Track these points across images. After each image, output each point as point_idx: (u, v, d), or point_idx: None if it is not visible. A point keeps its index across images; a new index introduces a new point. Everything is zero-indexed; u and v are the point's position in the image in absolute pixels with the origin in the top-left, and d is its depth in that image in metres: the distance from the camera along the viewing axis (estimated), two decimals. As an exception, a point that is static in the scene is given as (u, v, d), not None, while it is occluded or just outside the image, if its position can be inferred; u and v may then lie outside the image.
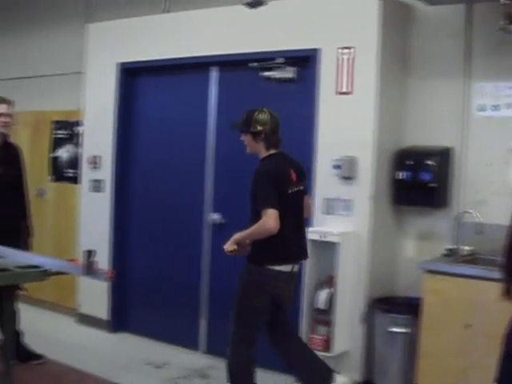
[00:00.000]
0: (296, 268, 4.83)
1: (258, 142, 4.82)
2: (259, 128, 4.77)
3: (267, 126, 4.79)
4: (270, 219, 4.52)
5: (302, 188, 4.87)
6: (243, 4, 4.99)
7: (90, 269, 4.19)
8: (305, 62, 5.75)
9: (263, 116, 4.79)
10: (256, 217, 4.62)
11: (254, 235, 4.65)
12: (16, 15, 8.70)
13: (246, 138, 4.86)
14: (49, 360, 5.99)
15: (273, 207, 4.54)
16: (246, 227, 5.77)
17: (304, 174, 4.99)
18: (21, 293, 4.69)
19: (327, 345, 5.37)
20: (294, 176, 4.80)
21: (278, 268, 4.69)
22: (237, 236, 4.73)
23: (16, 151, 5.98)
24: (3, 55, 8.86)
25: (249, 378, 4.81)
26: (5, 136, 5.82)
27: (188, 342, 6.50)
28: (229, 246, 4.74)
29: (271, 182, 4.66)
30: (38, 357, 5.95)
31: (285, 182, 4.72)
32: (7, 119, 5.71)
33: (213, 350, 6.31)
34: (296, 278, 4.93)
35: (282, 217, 4.56)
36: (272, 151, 4.84)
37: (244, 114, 4.85)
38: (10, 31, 8.77)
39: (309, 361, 4.99)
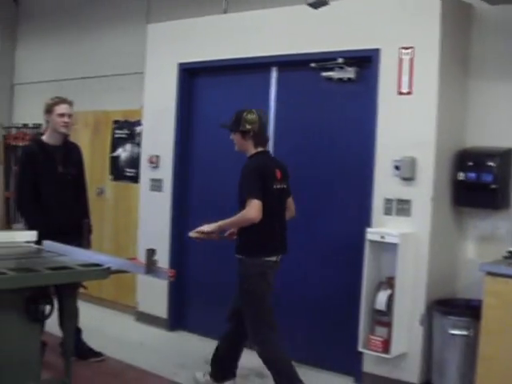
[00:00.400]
0: (279, 258, 5.25)
1: (247, 140, 5.23)
2: (248, 127, 5.18)
3: (256, 125, 5.21)
4: (253, 209, 4.95)
5: (285, 187, 5.32)
6: (307, 4, 5.03)
7: (151, 268, 4.29)
8: (365, 62, 5.78)
9: (252, 116, 5.21)
10: (242, 209, 5.03)
11: (238, 223, 5.12)
12: (79, 17, 8.95)
13: (236, 137, 5.27)
14: (108, 357, 6.13)
15: (257, 198, 4.96)
16: (309, 228, 5.97)
17: (287, 174, 5.38)
18: (81, 291, 4.77)
19: (386, 346, 5.39)
20: (278, 174, 5.23)
21: (268, 258, 5.16)
22: (221, 223, 5.14)
23: (76, 151, 6.14)
24: (67, 56, 9.11)
25: (291, 369, 5.11)
26: (65, 136, 5.99)
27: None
28: (210, 229, 5.16)
29: (257, 177, 5.09)
30: (97, 354, 6.09)
31: (270, 177, 5.15)
32: (67, 119, 5.85)
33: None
34: (278, 268, 5.28)
35: (269, 210, 5.02)
36: (259, 149, 5.26)
37: (233, 115, 5.23)
38: (73, 33, 9.02)
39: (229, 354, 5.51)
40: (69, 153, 5.99)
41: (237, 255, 5.20)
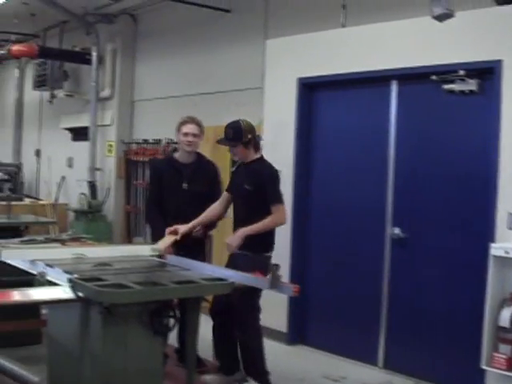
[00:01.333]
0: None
1: (249, 149, 5.69)
2: (249, 136, 5.64)
3: (253, 132, 5.72)
4: (283, 214, 5.61)
5: None
6: (432, 17, 5.10)
7: (276, 283, 4.46)
8: (487, 73, 5.78)
9: (248, 124, 5.69)
10: (252, 212, 5.51)
11: (268, 228, 5.56)
12: (197, 34, 9.30)
13: (238, 149, 5.67)
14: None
15: (283, 203, 5.61)
16: (428, 241, 5.94)
17: None
18: (203, 305, 4.94)
19: (510, 364, 5.35)
20: None
21: (269, 254, 5.68)
22: (248, 231, 5.46)
23: (209, 169, 6.43)
24: (186, 73, 9.48)
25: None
26: (197, 154, 6.34)
27: (366, 356, 6.66)
28: (237, 242, 5.49)
29: (279, 181, 5.71)
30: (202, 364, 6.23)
31: None
32: (191, 138, 6.17)
33: (391, 365, 6.48)
34: None
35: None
36: (258, 154, 5.79)
37: (229, 129, 5.63)
38: (191, 50, 9.40)
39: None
40: (198, 170, 6.26)
41: (240, 251, 5.48)
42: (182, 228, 5.75)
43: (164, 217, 6.13)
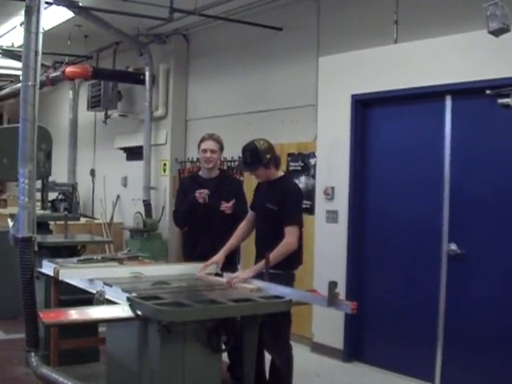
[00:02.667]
0: None
1: (270, 168, 5.60)
2: (268, 156, 5.52)
3: (272, 151, 5.60)
4: (296, 237, 5.45)
5: None
6: (488, 32, 5.08)
7: (334, 300, 4.48)
8: (543, 87, 5.73)
9: (265, 144, 5.57)
10: (274, 230, 5.46)
11: (284, 256, 5.37)
12: (249, 53, 9.44)
13: (258, 172, 5.60)
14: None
15: (299, 226, 5.49)
16: (485, 257, 5.90)
17: None
18: None
19: None
20: None
21: (295, 270, 5.66)
22: (259, 268, 5.27)
23: (232, 184, 6.58)
24: (242, 91, 9.59)
25: None
26: (219, 170, 6.55)
27: (423, 373, 6.61)
28: (251, 275, 5.29)
29: (301, 202, 5.75)
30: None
31: None
32: (209, 155, 6.33)
33: (448, 382, 6.42)
34: None
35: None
36: (281, 171, 5.78)
37: (246, 153, 5.55)
38: (244, 68, 9.51)
39: None
40: (220, 185, 6.37)
41: (273, 270, 5.27)
42: (217, 258, 5.72)
43: (190, 232, 6.38)
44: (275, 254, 5.28)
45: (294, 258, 5.57)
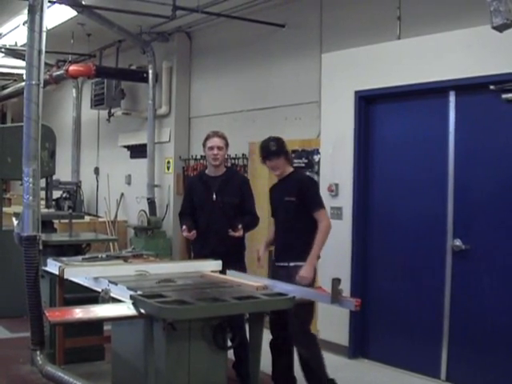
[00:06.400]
0: None
1: (287, 161, 5.99)
2: (288, 148, 6.01)
3: (287, 146, 6.03)
4: (328, 218, 5.89)
5: None
6: (492, 28, 5.07)
7: (337, 297, 4.48)
8: (546, 82, 5.72)
9: (283, 140, 5.99)
10: (296, 221, 5.74)
11: (325, 239, 5.72)
12: (252, 50, 9.45)
13: (280, 161, 5.90)
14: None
15: (325, 207, 5.90)
16: (490, 252, 5.89)
17: None
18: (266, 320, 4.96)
19: None
20: None
21: None
22: (314, 259, 5.65)
23: (238, 181, 6.56)
24: (242, 88, 9.60)
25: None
26: (226, 167, 6.58)
27: (428, 369, 6.59)
28: (312, 273, 5.61)
29: (318, 187, 6.20)
30: None
31: None
32: (216, 151, 6.32)
33: (454, 378, 6.40)
34: None
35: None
36: (292, 166, 6.11)
37: (271, 142, 5.91)
38: (247, 65, 9.52)
39: None
40: (227, 182, 6.39)
41: (293, 262, 5.66)
42: (262, 251, 6.14)
43: (197, 228, 6.31)
44: (318, 241, 5.68)
45: (309, 251, 5.69)
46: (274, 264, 6.09)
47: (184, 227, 6.21)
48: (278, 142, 5.94)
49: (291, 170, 6.06)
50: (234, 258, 6.08)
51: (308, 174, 7.96)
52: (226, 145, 6.43)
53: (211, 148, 6.32)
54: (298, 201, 5.80)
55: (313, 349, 5.78)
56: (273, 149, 5.88)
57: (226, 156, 6.61)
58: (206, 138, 6.40)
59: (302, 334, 5.69)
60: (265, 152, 5.95)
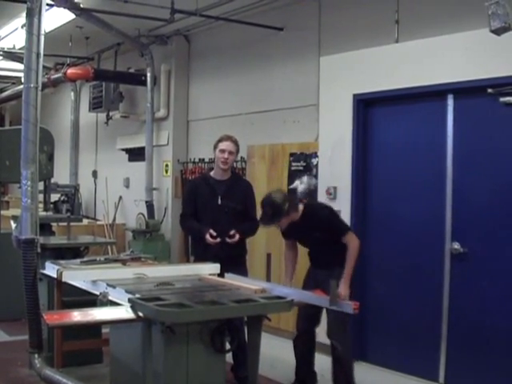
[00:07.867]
0: None
1: (291, 214, 5.85)
2: (286, 205, 5.76)
3: (287, 197, 5.97)
4: (356, 238, 5.91)
5: None
6: (490, 31, 5.08)
7: (335, 300, 4.49)
8: (545, 85, 5.72)
9: (278, 196, 5.83)
10: (330, 247, 5.88)
11: (356, 259, 5.86)
12: (250, 53, 9.42)
13: (283, 222, 5.84)
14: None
15: (350, 229, 6.10)
16: (488, 256, 5.90)
17: None
18: (264, 323, 4.96)
19: None
20: None
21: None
22: (348, 279, 5.77)
23: (243, 186, 6.59)
24: (240, 91, 9.57)
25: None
26: (232, 171, 6.60)
27: (427, 372, 6.60)
28: (348, 290, 5.70)
29: (336, 213, 6.18)
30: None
31: None
32: (227, 155, 6.32)
33: (452, 381, 6.42)
34: None
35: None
36: (301, 204, 6.05)
37: (267, 209, 5.75)
38: (245, 69, 9.50)
39: None
40: (232, 187, 6.41)
41: (336, 268, 5.79)
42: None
43: None
44: (350, 261, 5.81)
45: (344, 256, 5.86)
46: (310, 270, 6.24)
47: (208, 235, 6.16)
48: (273, 205, 5.78)
49: (301, 208, 6.03)
50: (235, 262, 6.09)
51: (306, 177, 7.99)
52: (237, 151, 6.46)
53: (222, 151, 6.31)
54: (327, 232, 5.90)
55: (348, 346, 5.99)
56: (268, 214, 5.79)
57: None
58: (219, 140, 6.39)
59: (343, 330, 5.87)
60: (264, 216, 5.88)
